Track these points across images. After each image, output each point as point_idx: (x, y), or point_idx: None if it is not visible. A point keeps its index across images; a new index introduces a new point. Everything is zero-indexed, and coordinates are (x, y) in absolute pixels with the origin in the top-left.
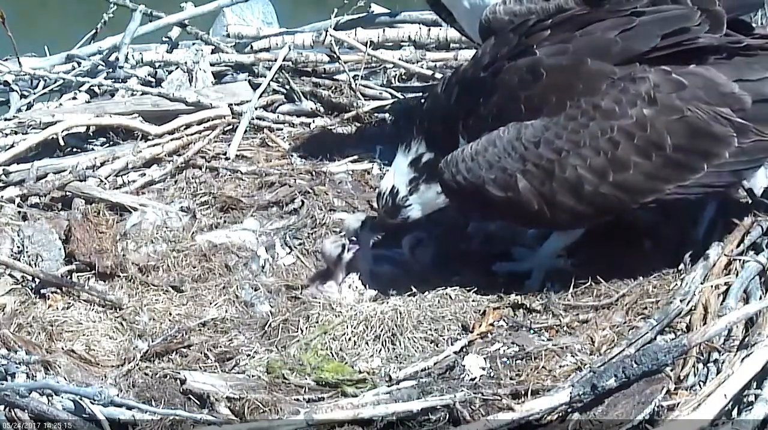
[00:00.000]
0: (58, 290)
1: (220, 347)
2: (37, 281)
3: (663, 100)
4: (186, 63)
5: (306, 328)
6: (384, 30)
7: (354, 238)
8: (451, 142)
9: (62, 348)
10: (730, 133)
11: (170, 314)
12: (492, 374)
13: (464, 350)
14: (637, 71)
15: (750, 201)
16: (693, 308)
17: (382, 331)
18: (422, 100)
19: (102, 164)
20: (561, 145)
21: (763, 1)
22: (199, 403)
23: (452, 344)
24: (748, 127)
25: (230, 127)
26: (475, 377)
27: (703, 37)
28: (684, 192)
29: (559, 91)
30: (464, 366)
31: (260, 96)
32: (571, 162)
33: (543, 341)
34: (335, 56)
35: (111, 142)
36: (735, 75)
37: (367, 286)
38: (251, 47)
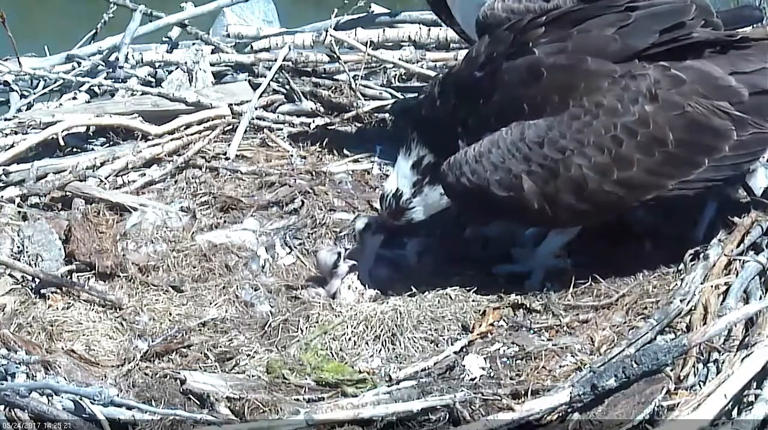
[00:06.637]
0: (58, 290)
1: (220, 347)
2: (37, 281)
3: (664, 96)
4: (186, 63)
5: (306, 328)
6: (384, 30)
7: (358, 239)
8: (450, 144)
9: (62, 348)
10: (729, 126)
11: (170, 314)
12: (492, 374)
13: (464, 350)
14: (637, 68)
15: (750, 201)
16: (693, 308)
17: (382, 331)
18: (418, 102)
19: (102, 164)
20: (565, 144)
21: (762, 16)
22: (199, 403)
23: (452, 344)
24: (746, 119)
25: (230, 127)
26: (475, 377)
27: (698, 31)
28: (685, 187)
29: (561, 91)
30: (464, 366)
31: (260, 96)
32: (576, 161)
33: (543, 341)
34: (335, 56)
35: (111, 142)
36: (731, 68)
37: (367, 286)
38: (251, 47)
